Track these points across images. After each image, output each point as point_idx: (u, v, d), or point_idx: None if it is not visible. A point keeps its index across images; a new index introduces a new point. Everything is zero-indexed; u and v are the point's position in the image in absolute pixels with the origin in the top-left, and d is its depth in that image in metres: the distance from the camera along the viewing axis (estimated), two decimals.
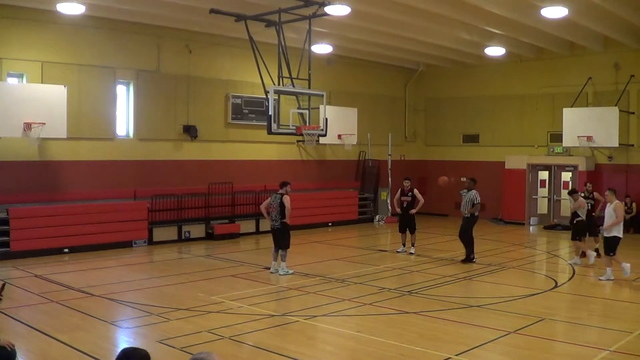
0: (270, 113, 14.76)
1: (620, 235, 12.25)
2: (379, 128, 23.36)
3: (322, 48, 18.90)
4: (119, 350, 3.99)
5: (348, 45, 20.08)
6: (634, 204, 19.71)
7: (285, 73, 15.63)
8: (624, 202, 18.92)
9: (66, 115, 14.51)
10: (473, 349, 7.91)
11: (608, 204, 12.46)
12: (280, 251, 12.90)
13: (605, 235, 12.31)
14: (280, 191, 12.98)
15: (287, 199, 12.79)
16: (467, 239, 14.41)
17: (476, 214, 14.48)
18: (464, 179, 23.97)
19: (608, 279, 12.12)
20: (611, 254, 12.20)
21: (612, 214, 12.19)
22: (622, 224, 12.30)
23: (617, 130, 18.89)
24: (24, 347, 7.71)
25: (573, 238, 14.39)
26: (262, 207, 13.42)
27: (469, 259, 14.32)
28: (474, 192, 14.46)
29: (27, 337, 8.30)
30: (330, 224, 21.06)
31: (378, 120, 23.67)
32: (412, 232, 15.62)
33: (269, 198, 13.18)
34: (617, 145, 19.29)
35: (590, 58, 20.64)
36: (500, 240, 17.93)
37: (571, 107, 20.04)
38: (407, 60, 23.31)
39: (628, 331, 8.68)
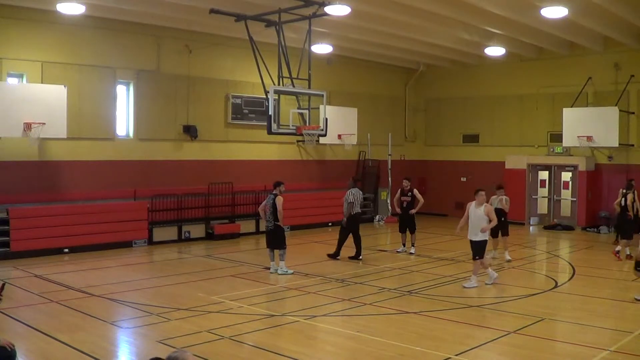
0: (270, 113, 14.75)
1: (487, 238, 11.75)
2: (379, 128, 23.36)
3: (322, 48, 18.90)
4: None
5: (348, 45, 20.08)
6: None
7: (285, 73, 15.62)
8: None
9: (66, 115, 14.51)
10: (473, 349, 7.91)
11: (474, 204, 11.66)
12: (278, 251, 12.91)
13: (474, 239, 11.59)
14: (274, 191, 13.00)
15: (279, 201, 12.78)
16: (355, 237, 14.56)
17: (353, 212, 14.51)
18: (464, 179, 24.20)
19: (472, 287, 11.49)
20: (477, 257, 11.62)
21: (483, 216, 11.50)
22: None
23: (617, 130, 18.87)
24: (24, 347, 7.71)
25: (494, 236, 14.30)
26: (260, 209, 13.45)
27: (356, 256, 14.55)
28: (349, 191, 14.58)
29: (27, 337, 8.30)
30: (330, 224, 21.04)
31: (378, 120, 23.66)
32: (412, 232, 15.63)
33: (266, 199, 13.24)
34: (617, 145, 19.27)
35: (590, 58, 20.63)
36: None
37: (571, 107, 20.03)
38: (407, 60, 23.31)
39: (628, 331, 8.67)
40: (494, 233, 14.29)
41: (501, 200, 14.33)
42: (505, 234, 14.55)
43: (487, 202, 13.01)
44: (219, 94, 18.95)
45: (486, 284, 11.76)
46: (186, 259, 15.18)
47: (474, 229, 11.59)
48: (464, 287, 11.54)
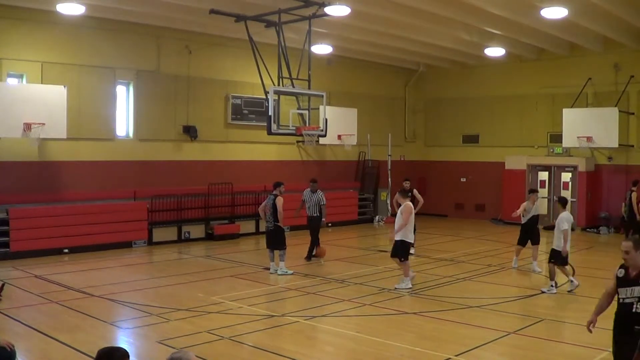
0: (270, 113, 14.77)
1: (409, 239, 11.52)
2: (379, 128, 23.36)
3: (322, 48, 18.91)
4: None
5: (348, 46, 20.08)
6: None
7: (285, 73, 15.63)
8: (623, 203, 18.98)
9: (66, 116, 14.51)
10: (473, 349, 7.91)
11: (400, 206, 11.59)
12: (278, 251, 12.92)
13: (395, 238, 11.47)
14: (274, 192, 13.03)
15: (279, 201, 12.81)
16: (316, 238, 14.59)
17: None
18: (463, 180, 24.23)
19: (407, 287, 11.35)
20: (402, 259, 11.44)
21: (399, 216, 11.43)
22: (411, 227, 11.57)
23: (617, 130, 18.88)
24: (24, 348, 7.71)
25: (522, 244, 13.56)
26: (260, 209, 13.49)
27: (311, 257, 14.58)
28: (320, 193, 14.52)
29: (26, 338, 8.31)
30: (330, 224, 21.03)
31: (378, 120, 23.66)
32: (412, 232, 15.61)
33: (266, 199, 13.27)
34: (616, 145, 19.28)
35: (590, 58, 20.64)
36: (500, 241, 17.91)
37: (571, 107, 20.04)
38: (407, 60, 23.32)
39: None
40: (521, 241, 13.36)
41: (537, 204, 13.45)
42: (536, 242, 13.41)
43: (520, 207, 13.17)
44: (219, 94, 18.95)
45: (395, 287, 11.46)
46: (186, 260, 15.18)
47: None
48: (396, 287, 11.46)
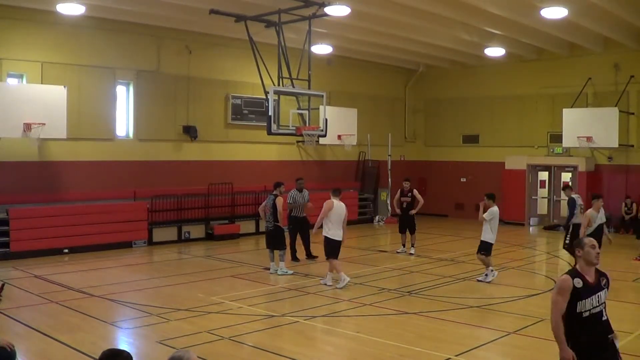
0: (270, 113, 14.78)
1: (339, 238, 11.44)
2: (379, 128, 23.36)
3: (322, 48, 18.91)
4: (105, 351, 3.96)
5: (348, 46, 20.08)
6: (634, 205, 19.69)
7: (285, 73, 15.64)
8: (623, 203, 19.03)
9: (66, 116, 14.51)
10: (473, 349, 7.92)
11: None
12: (278, 251, 12.93)
13: (324, 234, 11.52)
14: (274, 192, 13.04)
15: (279, 201, 12.84)
16: (308, 236, 14.53)
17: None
18: (463, 180, 24.22)
19: (326, 284, 11.56)
20: (328, 257, 11.54)
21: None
22: (339, 224, 11.40)
23: (617, 130, 18.86)
24: (24, 348, 7.71)
25: None
26: (260, 209, 13.50)
27: (311, 256, 14.53)
28: (307, 192, 14.50)
29: (26, 338, 8.31)
30: None
31: (378, 120, 23.67)
32: (412, 232, 15.63)
33: (266, 199, 13.29)
34: (616, 145, 19.27)
35: (590, 59, 20.64)
36: (500, 241, 17.76)
37: (571, 107, 20.04)
38: (407, 60, 23.32)
39: (628, 331, 8.67)
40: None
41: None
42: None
43: (585, 215, 12.12)
44: (219, 94, 18.95)
45: (337, 287, 11.43)
46: (186, 260, 15.18)
47: None
48: (321, 283, 11.73)
